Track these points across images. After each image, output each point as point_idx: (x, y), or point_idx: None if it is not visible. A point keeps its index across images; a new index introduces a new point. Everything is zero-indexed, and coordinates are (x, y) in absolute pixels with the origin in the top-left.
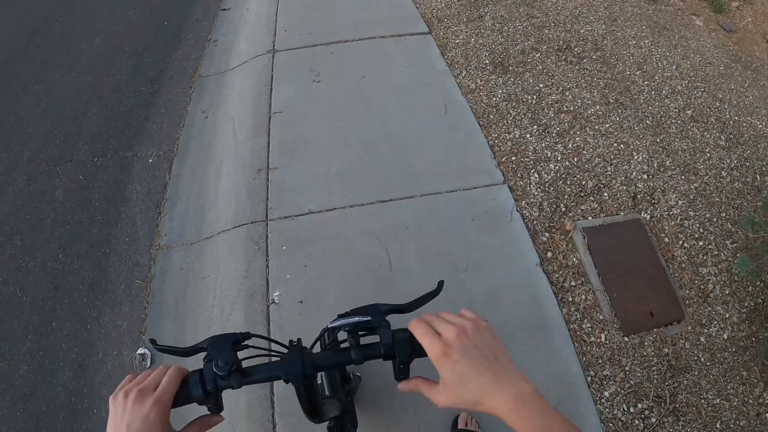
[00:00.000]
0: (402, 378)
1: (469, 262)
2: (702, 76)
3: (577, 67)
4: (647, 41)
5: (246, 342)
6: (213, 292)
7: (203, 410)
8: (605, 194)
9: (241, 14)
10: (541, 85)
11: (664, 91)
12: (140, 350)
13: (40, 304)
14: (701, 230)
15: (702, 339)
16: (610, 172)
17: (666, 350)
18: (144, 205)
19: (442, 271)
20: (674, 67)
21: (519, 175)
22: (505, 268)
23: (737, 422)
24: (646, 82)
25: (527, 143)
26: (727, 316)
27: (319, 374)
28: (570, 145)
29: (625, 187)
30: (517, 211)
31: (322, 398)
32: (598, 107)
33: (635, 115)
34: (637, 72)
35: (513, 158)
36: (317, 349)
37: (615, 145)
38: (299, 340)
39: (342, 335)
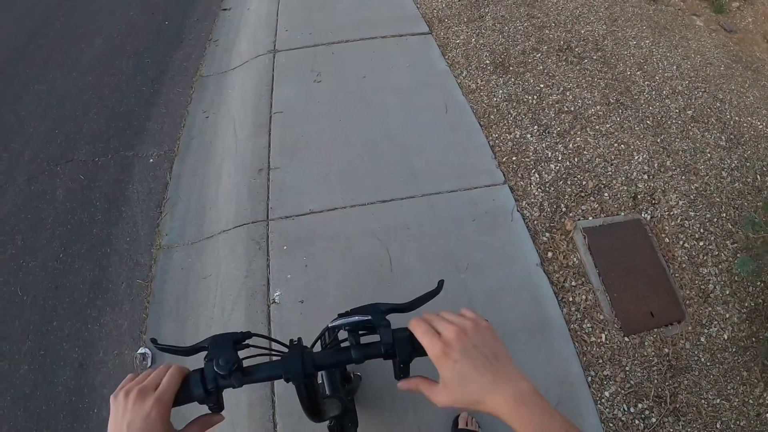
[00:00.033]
0: (402, 377)
1: (470, 262)
2: (702, 76)
3: (577, 68)
4: (648, 41)
5: (247, 341)
6: (214, 292)
7: (204, 409)
8: (606, 194)
9: (242, 14)
10: (541, 86)
11: (664, 92)
12: (141, 350)
13: (40, 303)
14: (702, 230)
15: (702, 339)
16: (610, 173)
17: (666, 350)
18: (145, 204)
19: (443, 271)
20: (675, 67)
21: (519, 175)
22: (506, 268)
23: (737, 422)
24: (646, 83)
25: (528, 143)
26: (727, 316)
27: (319, 374)
28: (570, 146)
29: (625, 188)
30: (518, 211)
31: (322, 397)
32: (598, 107)
33: (636, 115)
34: (638, 72)
35: (514, 158)
36: (318, 348)
37: (615, 145)
38: (300, 339)
39: (342, 334)
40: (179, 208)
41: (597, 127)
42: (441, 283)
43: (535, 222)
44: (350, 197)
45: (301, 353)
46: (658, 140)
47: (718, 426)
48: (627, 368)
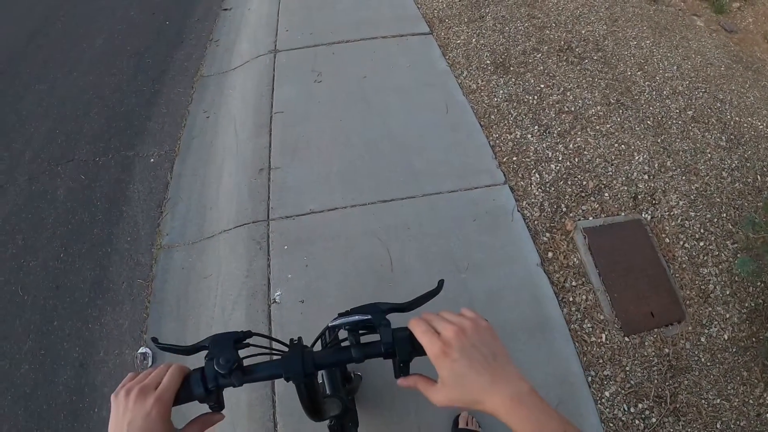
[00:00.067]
0: (402, 376)
1: (470, 262)
2: (703, 76)
3: (578, 68)
4: (648, 42)
5: (247, 340)
6: (214, 292)
7: (204, 408)
8: (606, 194)
9: (242, 14)
10: (542, 86)
11: (665, 92)
12: (141, 349)
13: (41, 303)
14: (702, 231)
15: (702, 339)
16: (611, 173)
17: (666, 350)
18: (145, 204)
19: (444, 271)
20: (675, 67)
21: (520, 175)
22: (506, 268)
23: (737, 422)
24: (647, 83)
25: (528, 143)
26: (727, 316)
27: (320, 373)
28: (571, 146)
29: (626, 188)
30: (518, 211)
31: (323, 397)
32: (599, 108)
33: (636, 115)
34: (638, 72)
35: (514, 158)
36: (318, 347)
37: (616, 145)
38: (300, 338)
39: (343, 334)
40: (180, 207)
41: (597, 127)
42: (441, 283)
43: (536, 222)
44: (351, 197)
45: (301, 352)
46: (659, 140)
47: (718, 426)
48: (627, 368)
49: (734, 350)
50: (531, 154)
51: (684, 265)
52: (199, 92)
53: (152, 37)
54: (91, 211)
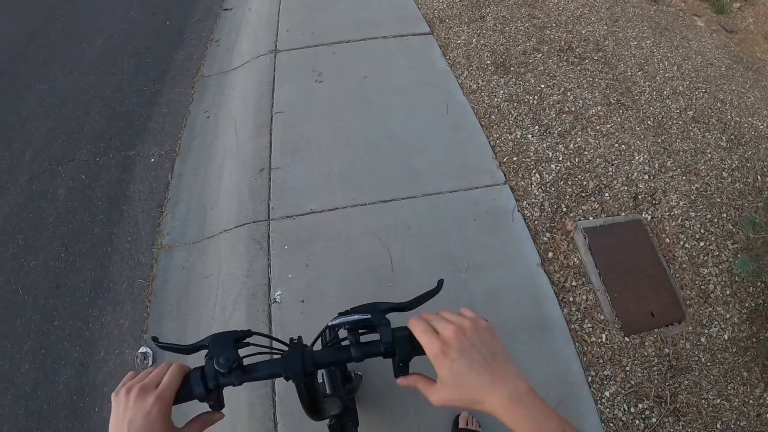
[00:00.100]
0: (401, 376)
1: (471, 262)
2: (703, 76)
3: (578, 68)
4: (649, 42)
5: (247, 340)
6: (215, 291)
7: (204, 407)
8: (606, 195)
9: (243, 14)
10: (542, 86)
11: (665, 92)
12: (142, 349)
13: (42, 302)
14: (702, 231)
15: (703, 339)
16: (611, 173)
17: (667, 350)
18: (146, 204)
19: (444, 271)
20: (675, 67)
21: (520, 175)
22: (507, 268)
23: (737, 422)
24: (647, 83)
25: (529, 143)
26: (727, 316)
27: (320, 373)
28: (571, 146)
29: (626, 188)
30: (519, 211)
31: (323, 396)
32: (599, 108)
33: (636, 115)
34: (639, 73)
35: (514, 158)
36: (318, 346)
37: (616, 145)
38: (300, 337)
39: (343, 333)
40: (180, 207)
41: (598, 127)
42: (441, 283)
43: (536, 222)
44: (351, 197)
45: (301, 351)
46: (659, 141)
47: (718, 426)
48: (627, 368)
49: (734, 350)
50: (531, 154)
51: (684, 265)
52: (199, 92)
53: (153, 37)
54: (92, 211)
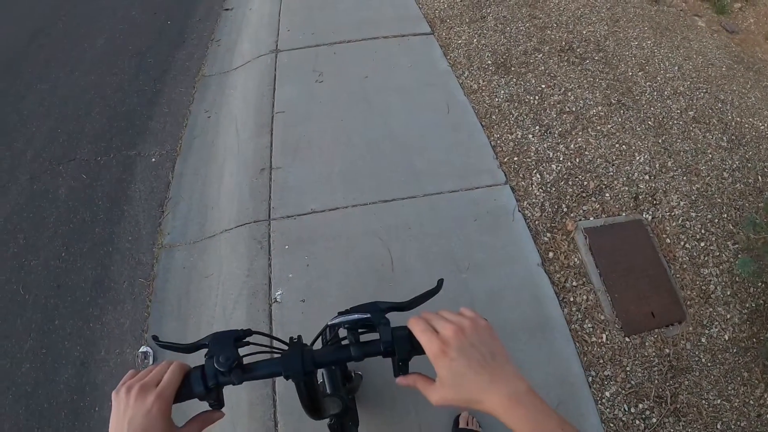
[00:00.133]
0: (401, 375)
1: (471, 262)
2: (704, 77)
3: (579, 68)
4: (649, 42)
5: (247, 339)
6: (215, 291)
7: (204, 406)
8: (607, 195)
9: (244, 14)
10: (543, 86)
11: (666, 92)
12: (142, 348)
13: (42, 302)
14: (703, 231)
15: (703, 340)
16: (611, 173)
17: (667, 351)
18: (147, 204)
19: (444, 271)
20: (676, 68)
21: (521, 175)
22: (507, 268)
23: (738, 423)
24: (648, 83)
25: (529, 144)
26: (728, 317)
27: (320, 372)
28: (572, 146)
29: (626, 188)
30: (519, 211)
31: (323, 396)
32: (600, 108)
33: (637, 116)
34: (639, 73)
35: (515, 158)
36: (318, 346)
37: (617, 145)
38: (299, 337)
39: (343, 333)
40: (181, 207)
41: (598, 127)
42: (440, 282)
43: (537, 222)
44: (352, 197)
45: (300, 351)
46: (660, 141)
47: (718, 426)
48: (628, 368)
49: (735, 351)
50: (532, 154)
51: (685, 266)
52: (200, 92)
53: (154, 37)
54: (93, 211)
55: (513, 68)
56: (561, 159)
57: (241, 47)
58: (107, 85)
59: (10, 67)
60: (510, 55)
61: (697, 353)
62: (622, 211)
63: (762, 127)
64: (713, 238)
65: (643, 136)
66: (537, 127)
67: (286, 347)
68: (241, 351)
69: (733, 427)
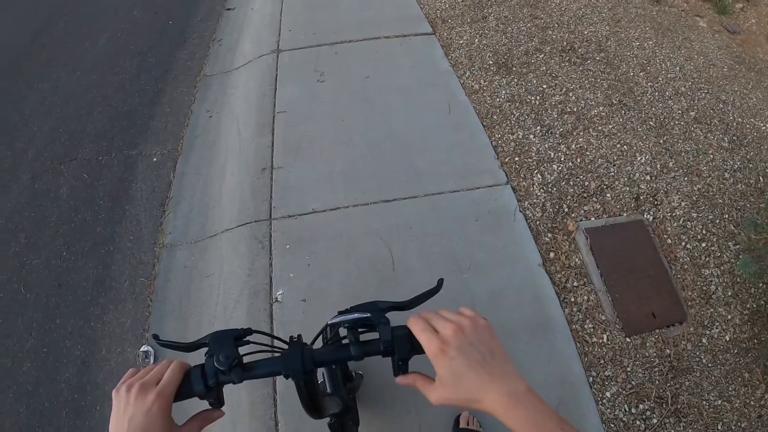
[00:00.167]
0: (401, 374)
1: (472, 262)
2: (705, 77)
3: (580, 68)
4: (651, 42)
5: (247, 338)
6: (216, 291)
7: (204, 405)
8: (608, 195)
9: (245, 14)
10: (544, 86)
11: (667, 93)
12: (143, 347)
13: (43, 301)
14: (704, 232)
15: (704, 340)
16: (613, 173)
17: (668, 351)
18: (148, 203)
19: (445, 271)
20: (678, 68)
21: (522, 175)
22: (508, 268)
23: (739, 424)
24: (649, 84)
25: (530, 144)
26: (729, 317)
27: (321, 372)
28: (573, 146)
29: (627, 188)
30: (520, 211)
31: (323, 395)
32: (601, 108)
33: (638, 116)
34: (641, 73)
35: (516, 159)
36: (318, 345)
37: (618, 146)
38: (299, 336)
39: (343, 332)
40: (183, 206)
41: (600, 127)
42: (440, 282)
43: (538, 222)
44: (353, 197)
45: (300, 350)
46: (661, 141)
47: (719, 427)
48: (628, 369)
49: (736, 351)
50: (533, 154)
51: (686, 266)
52: (202, 91)
53: (155, 37)
54: (94, 210)
55: (514, 68)
56: (562, 159)
57: (243, 47)
58: (109, 85)
59: (11, 66)
60: (511, 56)
61: (697, 354)
62: (623, 212)
63: (763, 128)
64: (714, 239)
65: (644, 137)
66: (538, 128)
67: (286, 346)
68: (241, 350)
69: (733, 427)
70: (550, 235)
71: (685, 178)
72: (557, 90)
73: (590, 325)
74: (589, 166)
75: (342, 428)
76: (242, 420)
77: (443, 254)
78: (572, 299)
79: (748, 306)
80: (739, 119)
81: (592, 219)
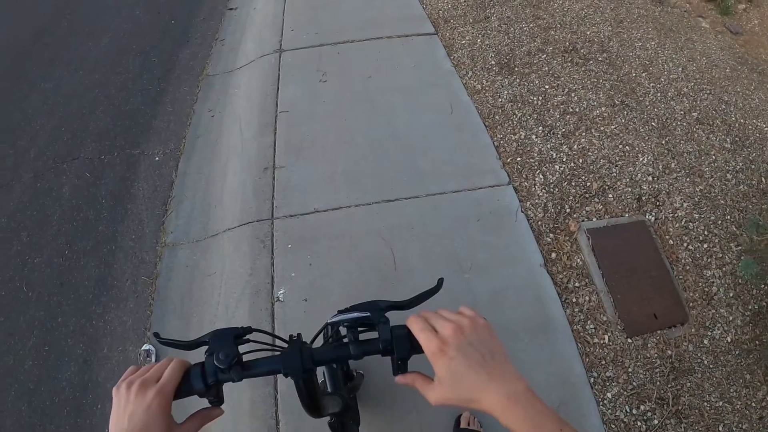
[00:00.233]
0: (400, 374)
1: (474, 262)
2: (708, 78)
3: (582, 69)
4: (653, 43)
5: (247, 336)
6: (218, 290)
7: (204, 403)
8: (610, 196)
9: (248, 14)
10: (546, 87)
11: (669, 93)
12: (145, 346)
13: (45, 299)
14: (706, 233)
15: (705, 341)
16: (615, 174)
17: (669, 352)
18: (150, 202)
19: (447, 271)
20: (680, 69)
21: (524, 175)
22: (510, 268)
23: (740, 425)
24: (651, 84)
25: (532, 144)
26: (730, 318)
27: (321, 371)
28: (575, 147)
29: (629, 189)
30: (522, 211)
31: (323, 394)
32: (603, 109)
33: (641, 116)
34: (643, 74)
35: (518, 159)
36: (318, 344)
37: (620, 146)
38: (299, 335)
39: (343, 331)
40: (185, 206)
41: (602, 128)
42: (440, 281)
43: (539, 223)
44: (355, 196)
45: (299, 348)
46: (663, 142)
47: (720, 429)
48: (630, 370)
49: (737, 353)
50: (535, 154)
51: (687, 267)
52: (204, 91)
53: (158, 36)
54: (96, 209)
55: (516, 69)
56: (564, 160)
57: (245, 47)
58: (111, 84)
59: (14, 66)
60: (514, 56)
61: (699, 355)
62: (625, 212)
63: (766, 129)
64: (716, 240)
65: (646, 137)
66: (540, 128)
67: (285, 345)
68: (241, 349)
69: (734, 429)
70: (551, 235)
71: (687, 179)
72: (559, 90)
73: (591, 326)
74: (591, 167)
75: (342, 427)
76: (243, 419)
77: (445, 254)
78: (574, 300)
79: (750, 307)
80: (742, 120)
81: (594, 219)
